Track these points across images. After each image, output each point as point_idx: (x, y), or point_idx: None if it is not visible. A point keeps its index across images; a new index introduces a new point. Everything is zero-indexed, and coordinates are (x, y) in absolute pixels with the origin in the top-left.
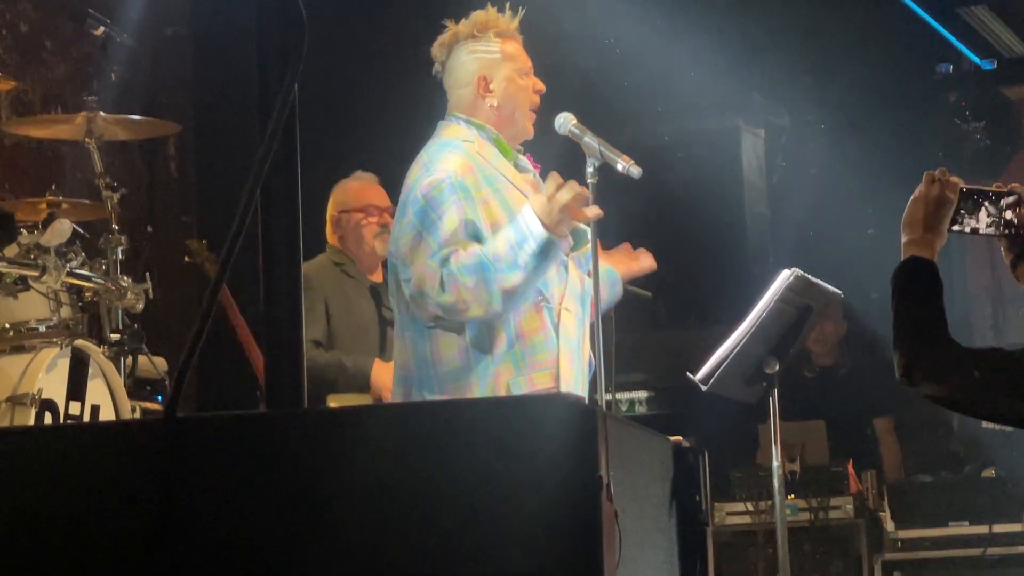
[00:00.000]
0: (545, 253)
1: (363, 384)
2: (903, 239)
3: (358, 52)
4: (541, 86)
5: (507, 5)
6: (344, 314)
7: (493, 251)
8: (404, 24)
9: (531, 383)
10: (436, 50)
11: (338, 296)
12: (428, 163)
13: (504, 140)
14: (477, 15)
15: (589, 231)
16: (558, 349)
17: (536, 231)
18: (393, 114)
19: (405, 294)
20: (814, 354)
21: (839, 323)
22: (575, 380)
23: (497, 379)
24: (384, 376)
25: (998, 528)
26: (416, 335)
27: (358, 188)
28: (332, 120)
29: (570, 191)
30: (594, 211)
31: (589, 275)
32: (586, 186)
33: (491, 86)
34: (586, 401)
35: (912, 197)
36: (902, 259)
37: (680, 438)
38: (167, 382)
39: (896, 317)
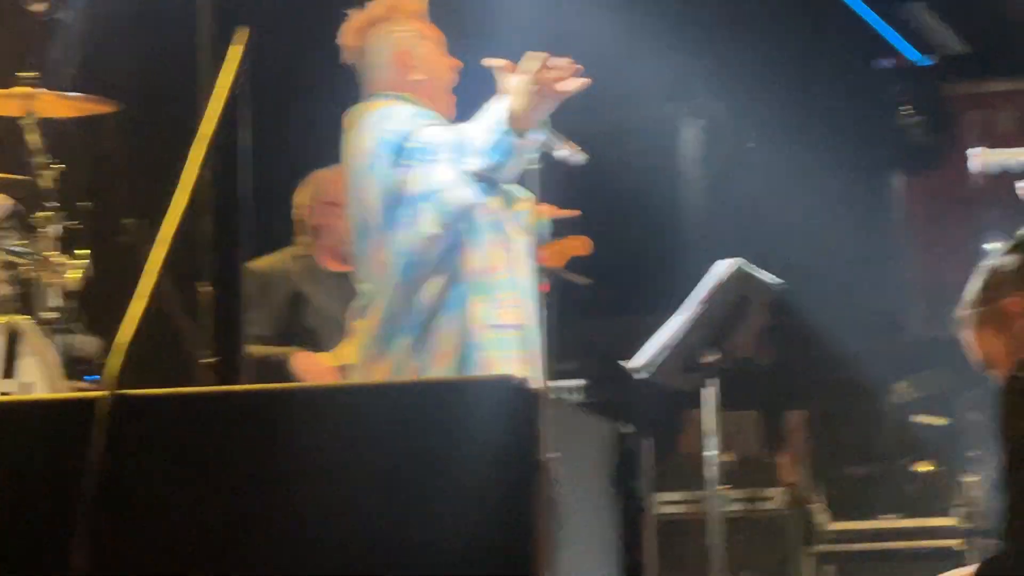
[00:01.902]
0: (510, 147)
1: (283, 370)
2: None
3: (328, 46)
4: (458, 62)
5: None
6: (297, 307)
7: (464, 130)
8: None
9: (500, 317)
10: (350, 37)
11: (293, 289)
12: (374, 124)
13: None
14: None
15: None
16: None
17: (502, 119)
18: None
19: None
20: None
21: (766, 314)
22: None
23: (473, 309)
24: (305, 363)
25: (929, 522)
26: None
27: (337, 180)
28: (292, 116)
29: (537, 61)
30: (577, 83)
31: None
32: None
33: (414, 62)
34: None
35: None
36: None
37: (624, 427)
38: (101, 360)
39: None
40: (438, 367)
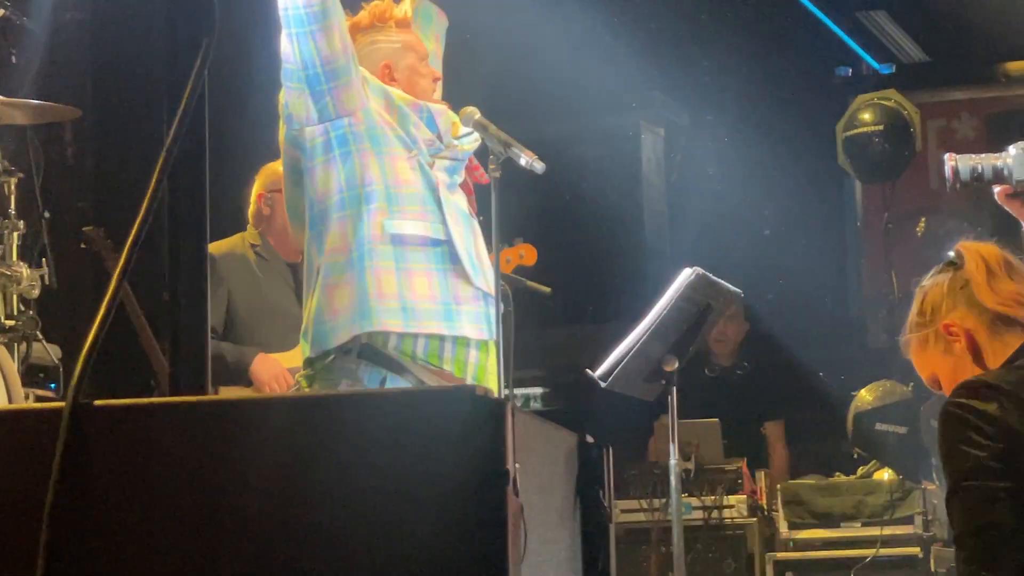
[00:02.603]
0: None
1: (243, 377)
2: None
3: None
4: (438, 73)
5: None
6: (251, 298)
7: None
8: None
9: (402, 228)
10: None
11: (245, 279)
12: None
13: None
14: (375, 5)
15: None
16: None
17: None
18: None
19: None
20: (715, 354)
21: (741, 324)
22: (470, 251)
23: (373, 218)
24: (265, 368)
25: (889, 530)
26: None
27: None
28: (247, 105)
29: None
30: None
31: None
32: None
33: (395, 74)
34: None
35: None
36: None
37: (587, 435)
38: (61, 369)
39: None
40: (326, 263)
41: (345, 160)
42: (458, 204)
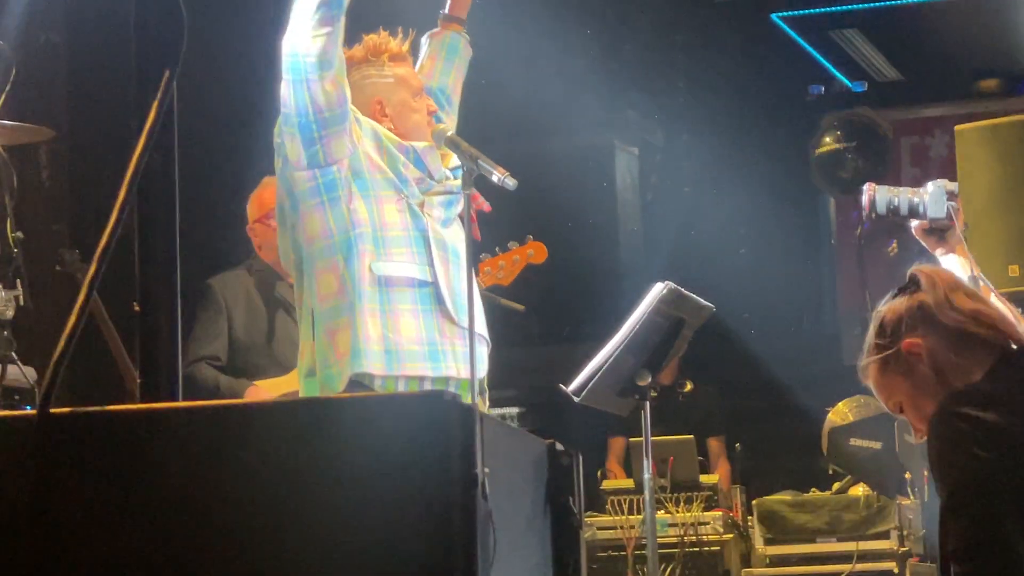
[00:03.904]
0: None
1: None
2: None
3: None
4: (434, 107)
5: (399, 28)
6: (249, 324)
7: None
8: None
9: (388, 269)
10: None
11: (244, 305)
12: None
13: None
14: (369, 39)
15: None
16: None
17: None
18: None
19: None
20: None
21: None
22: (456, 290)
23: (362, 261)
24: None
25: (865, 545)
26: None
27: (269, 195)
28: (244, 127)
29: None
30: None
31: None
32: (463, 195)
33: (387, 110)
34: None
35: None
36: None
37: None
38: (36, 391)
39: None
40: (320, 307)
41: (334, 205)
42: (449, 241)
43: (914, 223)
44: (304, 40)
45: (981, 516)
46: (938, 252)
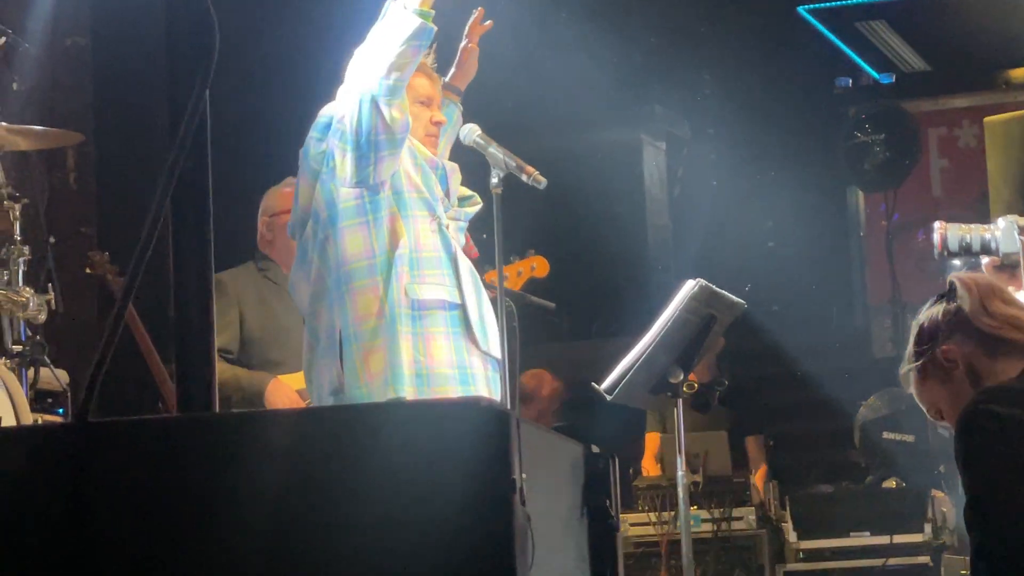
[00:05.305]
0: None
1: (257, 402)
2: None
3: (290, 55)
4: (441, 118)
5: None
6: (261, 319)
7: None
8: (331, 25)
9: (422, 292)
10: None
11: (254, 300)
12: None
13: None
14: None
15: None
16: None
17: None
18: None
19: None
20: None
21: (717, 340)
22: (480, 313)
23: (400, 282)
24: (279, 396)
25: (899, 538)
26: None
27: (288, 193)
28: (261, 125)
29: None
30: None
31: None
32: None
33: None
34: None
35: None
36: None
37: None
38: (69, 394)
39: None
40: (359, 328)
41: (379, 226)
42: (470, 266)
43: (985, 259)
44: (388, 65)
45: (1005, 513)
46: (1011, 288)
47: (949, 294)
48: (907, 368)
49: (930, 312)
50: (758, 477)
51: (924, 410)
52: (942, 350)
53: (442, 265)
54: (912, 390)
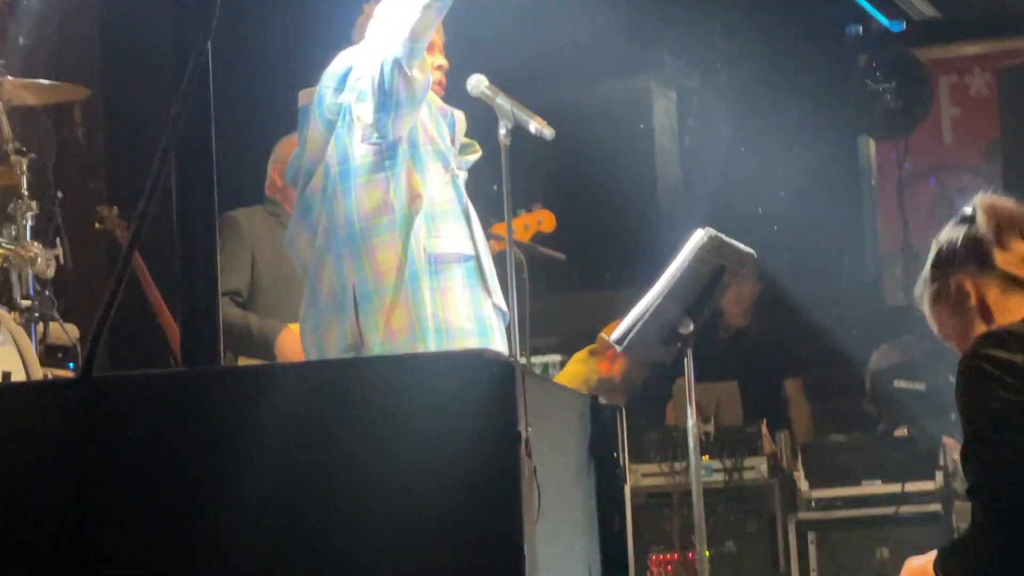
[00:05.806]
0: None
1: (267, 350)
2: None
3: (303, 7)
4: (443, 63)
5: None
6: (272, 264)
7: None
8: None
9: (440, 246)
10: (356, 32)
11: (267, 245)
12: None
13: None
14: None
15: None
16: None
17: None
18: None
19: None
20: (728, 315)
21: (754, 284)
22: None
23: (417, 237)
24: (291, 344)
25: (911, 487)
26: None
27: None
28: (273, 76)
29: None
30: None
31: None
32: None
33: None
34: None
35: None
36: None
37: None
38: (79, 349)
39: None
40: (380, 285)
41: (397, 181)
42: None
43: None
44: (411, 28)
45: (1003, 453)
46: None
47: (971, 218)
48: (922, 289)
49: (951, 235)
50: (799, 421)
51: (934, 330)
52: (956, 280)
53: (457, 217)
54: (925, 309)
